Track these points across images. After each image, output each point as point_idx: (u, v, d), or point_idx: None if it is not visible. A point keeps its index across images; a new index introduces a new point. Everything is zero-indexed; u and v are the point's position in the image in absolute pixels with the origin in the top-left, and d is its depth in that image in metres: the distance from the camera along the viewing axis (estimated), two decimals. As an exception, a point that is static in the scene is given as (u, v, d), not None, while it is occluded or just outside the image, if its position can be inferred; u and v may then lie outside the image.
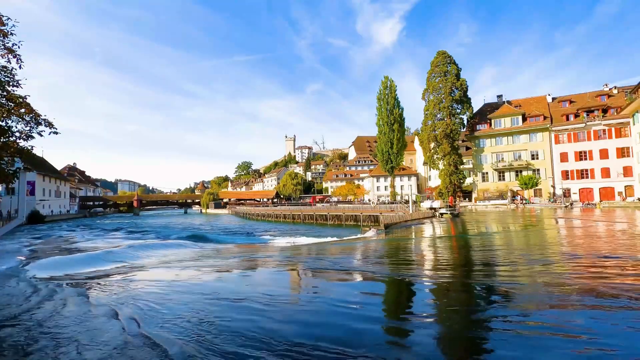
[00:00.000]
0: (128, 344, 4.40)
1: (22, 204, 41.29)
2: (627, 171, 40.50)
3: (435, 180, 58.67)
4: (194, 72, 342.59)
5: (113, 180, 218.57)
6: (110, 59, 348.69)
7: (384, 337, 4.48)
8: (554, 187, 44.65)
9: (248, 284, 8.14)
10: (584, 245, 11.94)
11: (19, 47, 17.76)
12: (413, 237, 18.51)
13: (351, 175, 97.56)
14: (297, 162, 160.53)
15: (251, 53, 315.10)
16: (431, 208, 32.57)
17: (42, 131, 19.46)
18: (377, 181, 79.41)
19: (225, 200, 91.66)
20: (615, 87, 46.29)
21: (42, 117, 19.32)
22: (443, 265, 9.70)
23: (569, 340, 3.98)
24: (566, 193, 42.70)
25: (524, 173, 45.80)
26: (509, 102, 51.50)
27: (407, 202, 41.26)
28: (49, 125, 19.47)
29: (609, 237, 13.92)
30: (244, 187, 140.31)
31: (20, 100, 18.35)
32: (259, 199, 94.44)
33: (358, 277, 8.79)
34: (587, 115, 43.59)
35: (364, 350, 3.93)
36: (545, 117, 46.56)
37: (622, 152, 41.06)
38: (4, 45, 17.46)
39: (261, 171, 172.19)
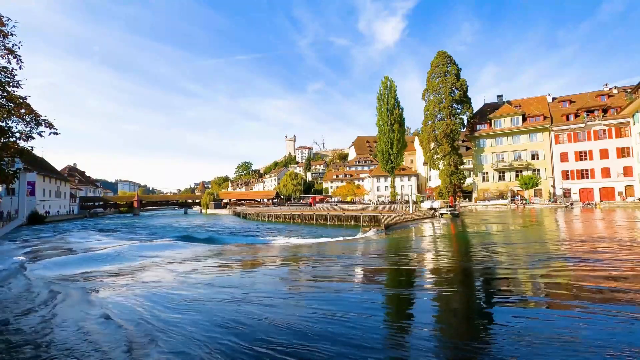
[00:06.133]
0: (126, 344, 4.40)
1: (22, 204, 41.28)
2: (627, 171, 40.48)
3: (435, 180, 58.66)
4: (194, 72, 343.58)
5: (113, 181, 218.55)
6: (109, 58, 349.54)
7: (384, 337, 4.48)
8: (554, 187, 44.64)
9: (249, 285, 8.13)
10: (584, 245, 11.93)
11: (19, 47, 17.76)
12: (413, 237, 18.50)
13: (351, 176, 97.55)
14: (297, 163, 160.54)
15: (252, 52, 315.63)
16: (431, 208, 32.54)
17: (42, 132, 19.43)
18: (377, 181, 79.41)
19: (225, 200, 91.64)
20: (615, 87, 46.28)
21: (42, 118, 19.29)
22: (442, 265, 9.69)
23: (567, 341, 3.98)
24: (566, 193, 42.70)
25: (524, 173, 45.79)
26: (509, 102, 51.50)
27: (407, 202, 41.26)
28: (49, 125, 19.44)
29: (608, 236, 13.92)
30: (244, 187, 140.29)
31: (21, 100, 18.33)
32: (259, 199, 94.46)
33: (359, 276, 8.78)
34: (587, 115, 43.57)
35: (365, 347, 3.93)
36: (545, 117, 46.56)
37: (622, 152, 41.04)
38: (4, 45, 17.46)
39: (261, 171, 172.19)
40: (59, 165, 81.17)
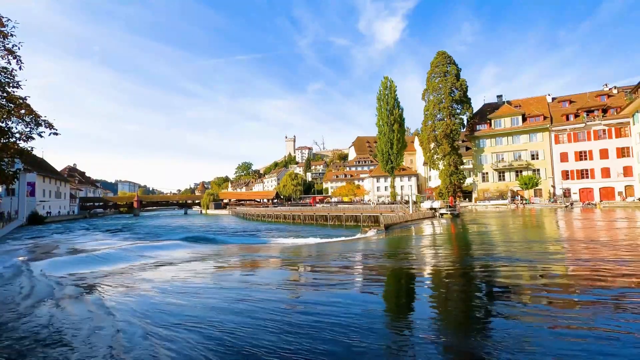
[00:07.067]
0: (125, 344, 4.40)
1: (22, 205, 41.29)
2: (627, 171, 40.48)
3: (435, 180, 58.66)
4: (194, 72, 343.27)
5: (113, 181, 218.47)
6: (109, 58, 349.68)
7: (384, 338, 4.48)
8: (554, 187, 44.64)
9: (249, 286, 8.13)
10: (584, 245, 11.93)
11: (19, 48, 17.78)
12: (413, 237, 18.50)
13: (351, 176, 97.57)
14: (297, 163, 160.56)
15: (252, 52, 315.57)
16: (431, 208, 32.53)
17: (42, 132, 19.45)
18: (377, 181, 79.42)
19: (225, 200, 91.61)
20: (615, 87, 46.27)
21: (42, 118, 19.31)
22: (442, 266, 9.69)
23: (568, 341, 3.98)
24: (566, 193, 42.69)
25: (524, 173, 45.78)
26: (508, 102, 51.51)
27: (407, 202, 41.23)
28: (49, 126, 19.46)
29: (608, 236, 13.93)
30: (244, 187, 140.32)
31: (21, 101, 18.34)
32: (259, 200, 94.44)
33: (358, 276, 8.78)
34: (587, 115, 43.57)
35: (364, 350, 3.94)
36: (545, 117, 46.56)
37: (622, 152, 41.04)
38: (4, 46, 17.47)
39: (261, 172, 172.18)
40: (58, 166, 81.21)
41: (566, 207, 35.45)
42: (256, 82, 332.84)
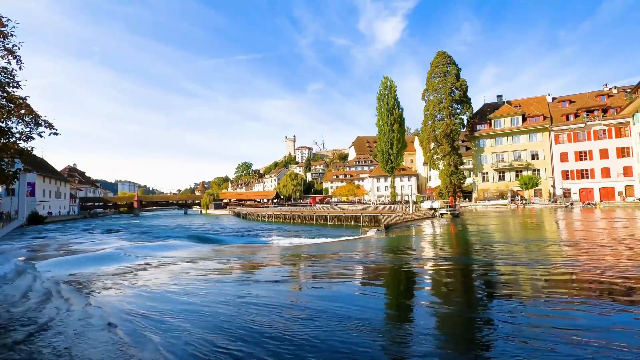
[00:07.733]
0: (125, 344, 4.40)
1: (22, 205, 41.24)
2: (627, 171, 40.48)
3: (435, 180, 58.66)
4: (194, 72, 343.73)
5: (113, 181, 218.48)
6: (109, 58, 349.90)
7: (383, 337, 4.48)
8: (554, 187, 44.63)
9: (247, 285, 8.13)
10: (583, 244, 11.93)
11: (19, 48, 17.75)
12: (413, 237, 18.49)
13: (351, 176, 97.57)
14: (297, 163, 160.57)
15: (252, 52, 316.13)
16: (431, 208, 32.52)
17: (42, 132, 19.42)
18: (377, 181, 79.42)
19: (225, 200, 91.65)
20: (615, 87, 46.27)
21: (42, 118, 19.27)
22: (442, 266, 9.69)
23: (566, 341, 3.98)
24: (566, 193, 42.68)
25: (524, 173, 45.78)
26: (508, 102, 51.51)
27: (407, 202, 41.22)
28: (49, 126, 19.43)
29: (607, 235, 13.93)
30: (244, 187, 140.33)
31: (21, 101, 18.31)
32: (259, 200, 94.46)
33: (358, 276, 8.78)
34: (587, 115, 43.57)
35: (364, 348, 3.94)
36: (545, 117, 46.56)
37: (622, 152, 41.04)
38: (4, 46, 17.44)
39: (261, 172, 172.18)
40: (59, 166, 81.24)
41: (566, 207, 35.44)
42: (256, 82, 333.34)
